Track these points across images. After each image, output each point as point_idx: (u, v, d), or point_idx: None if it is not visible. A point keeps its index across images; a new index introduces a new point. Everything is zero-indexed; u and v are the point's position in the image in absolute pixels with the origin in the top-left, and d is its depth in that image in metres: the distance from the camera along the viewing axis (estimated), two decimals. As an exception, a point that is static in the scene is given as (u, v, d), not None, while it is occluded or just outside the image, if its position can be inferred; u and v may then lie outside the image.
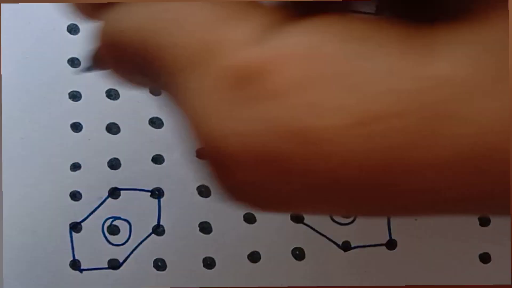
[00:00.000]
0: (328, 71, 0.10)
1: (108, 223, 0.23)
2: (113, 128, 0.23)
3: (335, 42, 0.11)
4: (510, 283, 0.22)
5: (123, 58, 0.13)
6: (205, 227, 0.23)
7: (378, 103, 0.10)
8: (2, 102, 0.23)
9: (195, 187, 0.23)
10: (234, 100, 0.11)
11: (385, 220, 0.23)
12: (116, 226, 0.23)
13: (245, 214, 0.23)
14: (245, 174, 0.11)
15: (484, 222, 0.23)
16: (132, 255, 0.23)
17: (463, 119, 0.10)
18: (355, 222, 0.23)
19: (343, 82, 0.10)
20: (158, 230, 0.23)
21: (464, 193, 0.11)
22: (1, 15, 0.22)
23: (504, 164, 0.10)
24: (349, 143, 0.10)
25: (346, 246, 0.23)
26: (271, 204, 0.12)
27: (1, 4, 0.22)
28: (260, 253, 0.23)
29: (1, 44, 0.23)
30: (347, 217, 0.23)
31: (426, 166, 0.10)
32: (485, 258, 0.23)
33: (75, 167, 0.23)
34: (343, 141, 0.10)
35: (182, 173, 0.23)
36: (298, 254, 0.23)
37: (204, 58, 0.11)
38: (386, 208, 0.11)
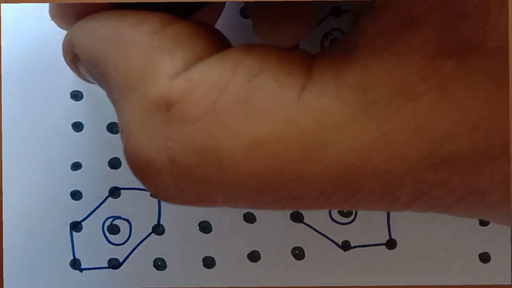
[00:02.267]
0: (232, 100, 0.12)
1: (108, 222, 0.23)
2: (114, 128, 0.23)
3: (239, 75, 0.13)
4: (510, 283, 0.22)
5: (82, 70, 0.16)
6: (205, 227, 0.23)
7: (268, 128, 0.12)
8: (2, 102, 0.23)
9: (195, 187, 0.23)
10: (158, 123, 0.13)
11: (385, 220, 0.23)
12: (116, 226, 0.23)
13: (245, 213, 0.23)
14: (168, 188, 0.13)
15: (484, 221, 0.23)
16: (132, 255, 0.23)
17: (332, 144, 0.12)
18: (355, 221, 0.23)
19: (243, 110, 0.12)
20: (158, 229, 0.23)
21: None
22: (1, 15, 0.22)
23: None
24: (249, 160, 0.12)
25: (346, 246, 0.23)
26: (192, 202, 0.14)
27: (1, 4, 0.22)
28: (260, 252, 0.23)
29: (1, 44, 0.23)
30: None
31: (304, 181, 0.12)
32: (485, 258, 0.23)
33: (76, 166, 0.23)
34: (247, 158, 0.12)
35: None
36: (298, 253, 0.23)
37: (137, 83, 0.13)
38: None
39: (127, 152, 0.14)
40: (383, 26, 0.12)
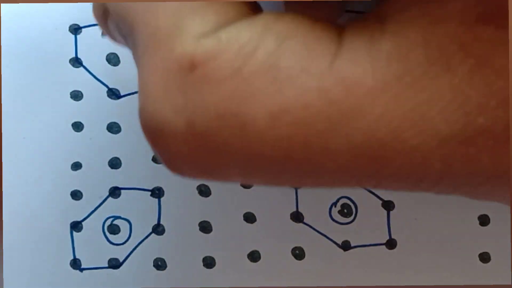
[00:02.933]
0: (259, 65, 0.12)
1: (108, 222, 0.23)
2: (114, 128, 0.23)
3: (268, 40, 0.12)
4: (510, 283, 0.22)
5: (111, 26, 0.15)
6: (205, 227, 0.23)
7: (296, 96, 0.12)
8: (2, 102, 0.23)
9: (195, 187, 0.23)
10: (180, 83, 0.12)
11: (385, 220, 0.23)
12: (117, 226, 0.23)
13: (245, 213, 0.23)
14: (184, 151, 0.13)
15: (484, 221, 0.23)
16: (132, 255, 0.23)
17: (361, 115, 0.12)
18: (355, 221, 0.23)
19: (270, 75, 0.12)
20: (158, 229, 0.23)
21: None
22: (1, 15, 0.23)
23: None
24: (274, 129, 0.12)
25: (346, 246, 0.23)
26: (204, 175, 0.13)
27: (1, 4, 0.22)
28: (260, 252, 0.23)
29: (1, 44, 0.23)
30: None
31: (329, 154, 0.12)
32: (485, 257, 0.23)
33: (76, 166, 0.23)
34: (271, 125, 0.12)
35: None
36: (298, 253, 0.23)
37: (164, 39, 0.13)
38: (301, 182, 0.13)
39: (142, 111, 0.13)
40: None
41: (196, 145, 0.12)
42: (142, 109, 0.13)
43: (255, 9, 0.14)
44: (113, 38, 0.17)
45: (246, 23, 0.12)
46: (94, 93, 0.23)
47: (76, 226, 0.23)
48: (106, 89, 0.23)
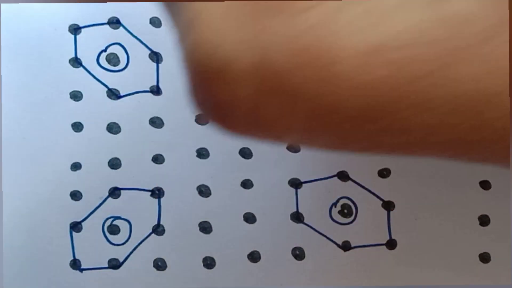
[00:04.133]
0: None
1: (108, 222, 0.23)
2: (113, 128, 0.23)
3: None
4: (510, 283, 0.22)
5: None
6: (205, 227, 0.23)
7: (392, 33, 0.09)
8: (2, 102, 0.23)
9: (195, 187, 0.23)
10: (251, 11, 0.10)
11: (385, 220, 0.23)
12: (116, 226, 0.23)
13: (245, 213, 0.23)
14: (238, 87, 0.10)
15: (484, 221, 0.23)
16: (132, 255, 0.23)
17: (469, 60, 0.09)
18: (355, 221, 0.23)
19: (361, 8, 0.09)
20: (158, 229, 0.23)
21: (463, 135, 0.10)
22: (1, 15, 0.22)
23: (502, 109, 0.10)
24: (360, 69, 0.09)
25: (346, 246, 0.23)
26: (255, 126, 0.11)
27: (1, 4, 0.22)
28: (260, 253, 0.23)
29: (1, 44, 0.23)
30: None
31: (428, 102, 0.10)
32: (485, 258, 0.23)
33: (76, 166, 0.23)
34: (355, 65, 0.09)
35: (182, 173, 0.23)
36: (298, 254, 0.23)
37: None
38: (381, 144, 0.11)
39: (199, 45, 0.10)
40: None
41: (265, 85, 0.10)
42: (199, 42, 0.10)
43: None
44: None
45: None
46: (94, 93, 0.23)
47: (76, 226, 0.23)
48: (106, 89, 0.23)
